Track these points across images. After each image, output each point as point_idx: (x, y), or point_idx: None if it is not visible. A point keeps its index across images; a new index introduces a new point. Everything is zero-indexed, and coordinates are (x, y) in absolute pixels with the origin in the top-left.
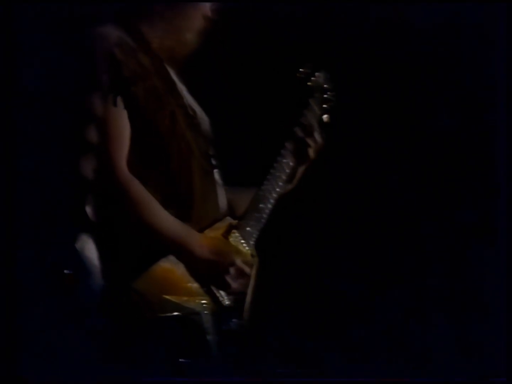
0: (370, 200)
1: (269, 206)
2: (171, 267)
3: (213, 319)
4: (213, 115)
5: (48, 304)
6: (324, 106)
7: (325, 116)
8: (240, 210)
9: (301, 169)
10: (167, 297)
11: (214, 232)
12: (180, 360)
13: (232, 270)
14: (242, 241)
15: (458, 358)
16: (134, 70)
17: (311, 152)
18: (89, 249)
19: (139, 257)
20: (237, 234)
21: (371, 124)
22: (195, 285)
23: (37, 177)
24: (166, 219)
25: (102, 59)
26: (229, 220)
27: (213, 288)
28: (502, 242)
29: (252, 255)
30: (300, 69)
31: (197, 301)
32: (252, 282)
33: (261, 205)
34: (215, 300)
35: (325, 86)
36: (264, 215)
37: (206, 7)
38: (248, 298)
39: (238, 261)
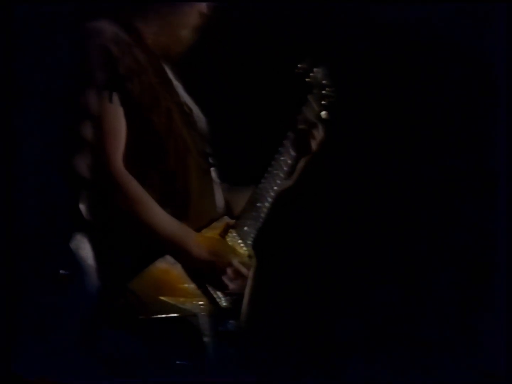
0: (369, 198)
1: (267, 204)
2: (167, 267)
3: (210, 321)
4: (209, 112)
5: (46, 303)
6: (323, 102)
7: (323, 113)
8: (237, 209)
9: (300, 166)
10: (163, 298)
11: (211, 232)
12: (177, 362)
13: (229, 270)
14: (240, 241)
15: (458, 359)
16: (130, 67)
17: (309, 149)
18: (84, 248)
19: (135, 257)
20: (234, 234)
21: (371, 120)
22: (191, 286)
23: (31, 174)
24: (162, 218)
25: (98, 55)
26: (226, 219)
27: (210, 289)
28: (502, 243)
29: (249, 255)
30: (298, 65)
31: (194, 302)
32: (249, 283)
33: (258, 204)
34: (212, 301)
35: (323, 82)
36: (262, 214)
37: (202, 4)
38: (246, 299)
39: (235, 262)
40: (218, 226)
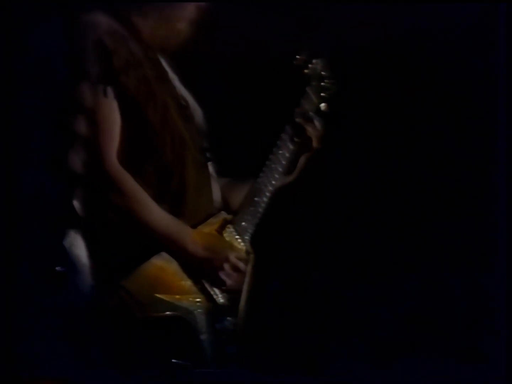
0: (369, 193)
1: (265, 199)
2: (163, 264)
3: (207, 318)
4: (207, 106)
5: (45, 302)
6: (322, 94)
7: (323, 105)
8: (235, 204)
9: (301, 161)
10: (159, 295)
11: (208, 228)
12: (173, 360)
13: (226, 266)
14: (237, 236)
15: (458, 359)
16: (125, 59)
17: (309, 143)
18: (78, 246)
19: (129, 254)
20: (232, 230)
21: (371, 113)
22: (188, 283)
23: (24, 170)
24: (158, 214)
25: (92, 48)
26: (223, 214)
27: (207, 286)
28: (502, 243)
29: (247, 251)
30: (297, 57)
31: (190, 299)
32: (247, 279)
33: (256, 199)
34: (209, 298)
35: (322, 73)
36: (260, 209)
37: None
38: (243, 295)
39: (232, 257)
40: (215, 221)
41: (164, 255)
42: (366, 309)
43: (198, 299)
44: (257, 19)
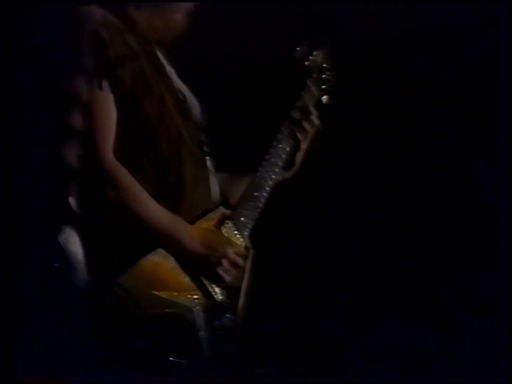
0: (369, 188)
1: (265, 194)
2: (160, 260)
3: (206, 315)
4: (204, 100)
5: (43, 302)
6: (323, 87)
7: (324, 98)
8: (233, 199)
9: (300, 155)
10: (157, 292)
11: (206, 223)
12: (170, 359)
13: (224, 261)
14: (236, 232)
15: (458, 358)
16: (121, 51)
17: (308, 137)
18: (73, 242)
19: (126, 251)
20: (230, 225)
21: (372, 107)
22: (186, 280)
23: (18, 165)
24: (154, 210)
25: (87, 40)
26: (222, 210)
27: (205, 282)
28: (502, 242)
29: (246, 247)
30: (297, 48)
31: (188, 296)
32: (246, 276)
33: (256, 194)
34: (207, 295)
35: (323, 65)
36: (260, 204)
37: None
38: (243, 292)
39: (231, 252)
40: (213, 217)
41: (161, 251)
42: (366, 306)
43: (196, 296)
44: (256, 10)
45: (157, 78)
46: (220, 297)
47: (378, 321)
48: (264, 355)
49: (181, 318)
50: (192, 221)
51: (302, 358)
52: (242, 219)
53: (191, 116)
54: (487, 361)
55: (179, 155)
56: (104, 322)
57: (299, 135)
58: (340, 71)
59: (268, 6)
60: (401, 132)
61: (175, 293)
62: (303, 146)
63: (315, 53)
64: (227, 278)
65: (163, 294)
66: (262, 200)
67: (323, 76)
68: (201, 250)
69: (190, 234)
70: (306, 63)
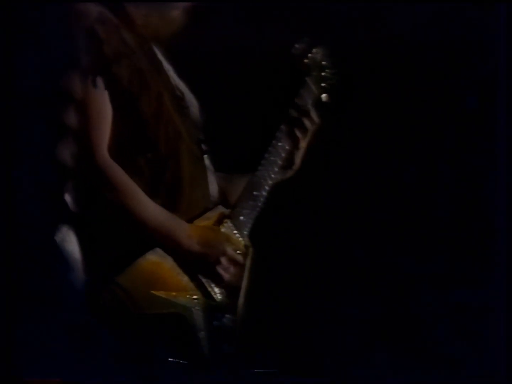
0: (369, 188)
1: (264, 193)
2: (158, 260)
3: (205, 315)
4: (202, 97)
5: (43, 300)
6: (323, 85)
7: (323, 96)
8: (232, 198)
9: (300, 153)
10: (155, 292)
11: (205, 222)
12: (169, 359)
13: (223, 259)
14: (235, 231)
15: (458, 357)
16: (117, 48)
17: (308, 135)
18: (70, 241)
19: (123, 250)
20: (229, 224)
21: (373, 105)
22: (184, 279)
23: (13, 164)
24: (151, 209)
25: (83, 37)
26: (221, 209)
27: (205, 282)
28: (502, 242)
29: (246, 246)
30: (296, 45)
31: (187, 296)
32: (246, 275)
33: (255, 192)
34: (206, 294)
35: (323, 63)
36: (259, 203)
37: None
38: (242, 292)
39: (229, 250)
40: (212, 216)
41: (159, 250)
42: (366, 306)
43: (195, 296)
44: (255, 7)
45: (154, 76)
46: (220, 297)
47: (378, 320)
48: (264, 355)
49: (180, 318)
50: (190, 220)
51: (302, 358)
52: (241, 218)
53: (189, 114)
54: (487, 361)
55: (177, 153)
56: (103, 322)
57: (298, 134)
58: (340, 69)
59: (266, 3)
60: (401, 131)
61: (174, 293)
62: (303, 144)
63: (314, 50)
64: (226, 276)
65: (161, 294)
66: (262, 199)
67: (323, 73)
68: (199, 249)
69: (188, 232)
70: (305, 60)
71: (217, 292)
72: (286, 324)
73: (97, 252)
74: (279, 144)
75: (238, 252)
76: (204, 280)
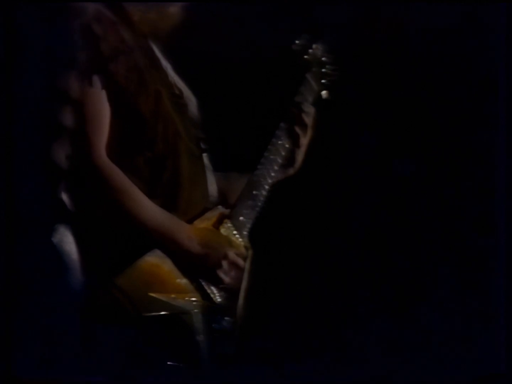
0: (370, 186)
1: (264, 193)
2: (157, 261)
3: (204, 318)
4: (201, 94)
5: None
6: (323, 81)
7: (324, 92)
8: (232, 197)
9: (300, 152)
10: (154, 294)
11: (204, 223)
12: (168, 363)
13: (224, 263)
14: (235, 231)
15: (457, 356)
16: (114, 46)
17: (308, 132)
18: (67, 242)
19: (121, 251)
20: (229, 224)
21: (374, 101)
22: (184, 281)
23: (10, 164)
24: (150, 209)
25: (79, 35)
26: (220, 209)
27: (204, 284)
28: (501, 242)
29: (245, 247)
30: (296, 41)
31: (186, 298)
32: (246, 277)
33: (255, 192)
34: (206, 297)
35: (323, 59)
36: (259, 203)
37: None
38: (242, 294)
39: (231, 254)
40: (211, 216)
41: (158, 252)
42: (366, 306)
43: (194, 298)
44: (254, 3)
45: (152, 73)
46: (219, 299)
47: (378, 320)
48: (264, 358)
49: (179, 321)
50: (189, 221)
51: (302, 359)
52: (241, 218)
53: (188, 111)
54: (487, 360)
55: (175, 152)
56: (101, 324)
57: (298, 131)
58: (341, 65)
59: None
60: (402, 127)
61: (173, 295)
62: (303, 142)
63: (314, 46)
64: (227, 280)
65: (160, 296)
66: (262, 198)
67: (323, 70)
68: (199, 251)
69: (188, 234)
70: (305, 56)
71: (216, 294)
72: (286, 327)
73: (95, 253)
74: (279, 142)
75: (239, 255)
76: (203, 282)
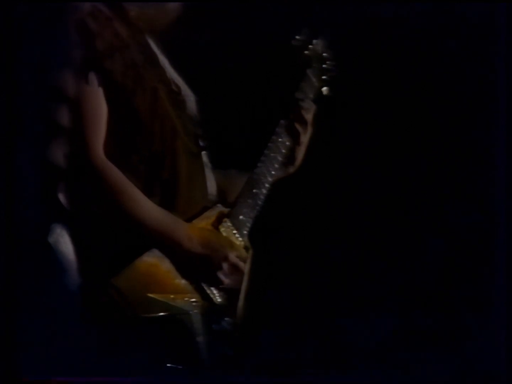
0: (371, 185)
1: (264, 191)
2: (156, 261)
3: (204, 319)
4: (199, 91)
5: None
6: (324, 77)
7: (324, 89)
8: (232, 196)
9: (301, 149)
10: (152, 295)
11: (204, 222)
12: (167, 365)
13: (225, 265)
14: (235, 231)
15: (457, 356)
16: (110, 42)
17: (308, 129)
18: (64, 242)
19: (119, 251)
20: (229, 224)
21: (375, 98)
22: (183, 282)
23: (8, 164)
24: (148, 208)
25: (74, 31)
26: (219, 207)
27: (204, 285)
28: (501, 242)
29: (245, 247)
30: (296, 37)
31: (185, 299)
32: (246, 277)
33: (255, 190)
34: (205, 297)
35: (324, 55)
36: (259, 201)
37: None
38: (242, 294)
39: (232, 256)
40: (210, 215)
41: (157, 251)
42: (366, 306)
43: (193, 299)
44: None
45: (149, 69)
46: (219, 300)
47: (379, 320)
48: (265, 359)
49: (178, 322)
50: (188, 220)
51: (301, 360)
52: (240, 217)
53: (186, 108)
54: (486, 361)
55: (174, 149)
56: (97, 324)
57: (298, 128)
58: (341, 61)
59: None
60: (403, 125)
61: (172, 296)
62: (304, 139)
63: (315, 41)
64: (227, 281)
65: (159, 297)
66: (262, 197)
67: (324, 66)
68: (200, 251)
69: (188, 233)
70: (306, 52)
71: (216, 295)
72: (287, 327)
73: (92, 253)
74: (279, 139)
75: (240, 257)
76: (203, 283)
